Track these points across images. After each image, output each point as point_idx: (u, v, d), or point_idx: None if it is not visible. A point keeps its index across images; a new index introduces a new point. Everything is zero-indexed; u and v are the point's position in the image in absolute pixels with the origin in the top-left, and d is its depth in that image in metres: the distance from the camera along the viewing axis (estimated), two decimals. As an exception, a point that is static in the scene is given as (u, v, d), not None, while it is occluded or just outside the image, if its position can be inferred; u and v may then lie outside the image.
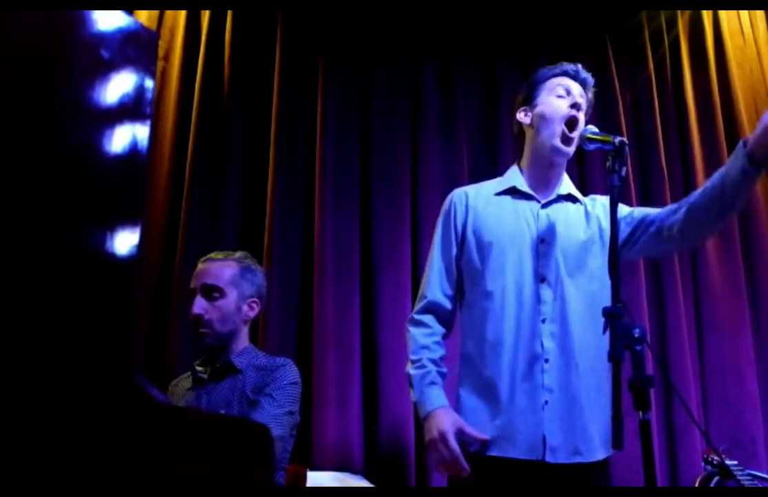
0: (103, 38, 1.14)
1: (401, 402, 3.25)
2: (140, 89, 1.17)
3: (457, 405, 2.16)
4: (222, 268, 2.48)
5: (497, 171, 3.62)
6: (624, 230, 2.23)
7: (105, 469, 1.00)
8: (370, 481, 2.95)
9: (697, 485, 3.24)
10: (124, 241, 1.07)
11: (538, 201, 2.24)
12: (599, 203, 2.30)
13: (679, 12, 4.06)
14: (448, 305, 2.24)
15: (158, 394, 1.21)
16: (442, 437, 2.01)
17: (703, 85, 3.97)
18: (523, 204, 2.25)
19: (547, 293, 2.11)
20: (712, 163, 3.81)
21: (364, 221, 3.52)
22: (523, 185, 2.27)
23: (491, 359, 2.10)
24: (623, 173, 1.89)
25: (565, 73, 2.27)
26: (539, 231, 2.18)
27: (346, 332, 3.33)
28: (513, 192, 2.27)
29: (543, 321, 2.09)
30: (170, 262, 3.39)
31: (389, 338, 3.33)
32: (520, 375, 2.06)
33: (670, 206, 2.20)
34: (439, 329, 2.22)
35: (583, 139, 2.05)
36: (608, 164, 1.89)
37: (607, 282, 1.86)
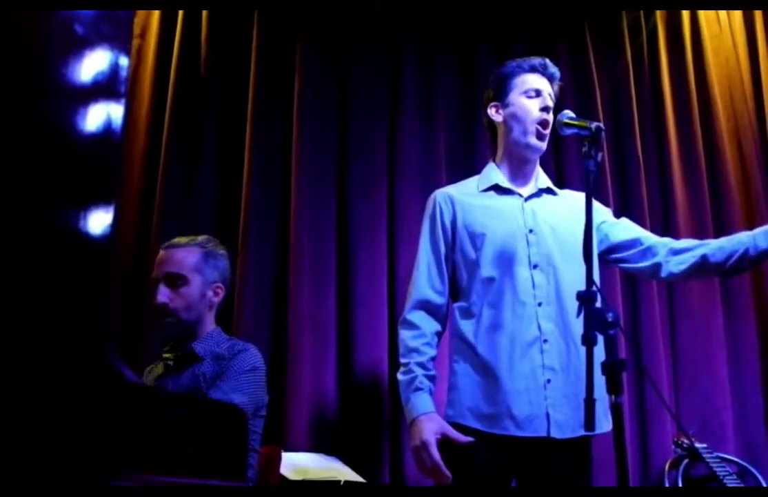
0: (77, 14, 1.12)
1: (376, 383, 3.27)
2: (115, 67, 1.15)
3: (451, 380, 2.23)
4: (185, 255, 2.44)
5: (474, 156, 3.67)
6: (614, 235, 2.37)
7: (76, 447, 1.00)
8: (345, 462, 2.96)
9: (666, 468, 3.29)
10: (98, 221, 1.06)
11: (521, 196, 2.34)
12: (580, 200, 2.36)
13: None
14: (437, 299, 2.29)
15: (131, 374, 1.21)
16: (424, 446, 2.08)
17: (680, 73, 4.00)
18: (508, 199, 2.34)
19: (540, 278, 2.20)
20: (688, 151, 3.86)
21: (340, 203, 3.51)
22: (505, 182, 2.36)
23: (488, 341, 2.17)
24: (599, 158, 1.93)
25: (533, 69, 2.36)
26: (527, 222, 2.27)
27: (321, 313, 3.32)
28: (496, 189, 2.36)
29: (539, 305, 2.17)
30: (145, 243, 3.36)
31: (365, 319, 3.34)
32: (518, 356, 2.13)
33: (671, 242, 2.33)
34: (431, 326, 2.27)
35: (560, 124, 2.09)
36: (584, 149, 1.92)
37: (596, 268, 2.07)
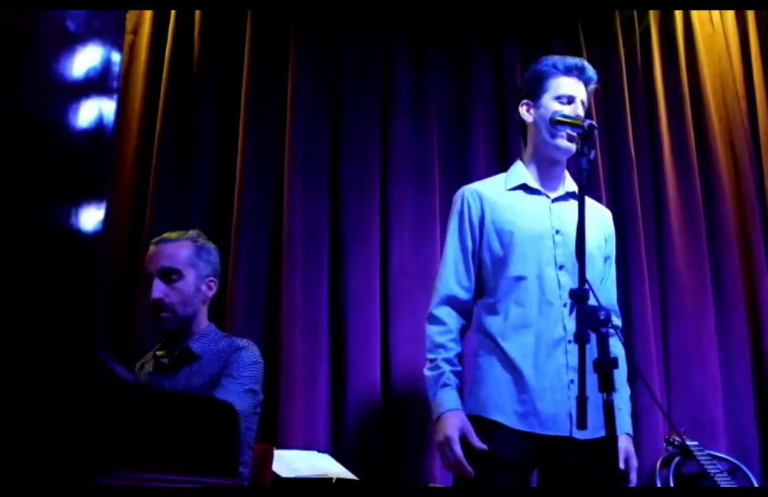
0: (68, 9, 1.11)
1: (368, 381, 3.27)
2: (107, 63, 1.15)
3: (476, 374, 2.26)
4: (178, 249, 2.42)
5: (467, 153, 3.67)
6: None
7: (65, 445, 0.99)
8: (338, 459, 2.96)
9: (658, 465, 3.30)
10: (89, 218, 1.05)
11: (548, 197, 2.35)
12: (597, 209, 2.46)
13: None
14: (464, 295, 2.31)
15: (124, 372, 1.20)
16: (448, 442, 2.12)
17: (673, 73, 4.00)
18: (536, 199, 2.35)
19: (566, 278, 2.22)
20: (680, 151, 3.87)
21: (333, 199, 3.51)
22: (533, 182, 2.37)
23: (515, 339, 2.20)
24: (592, 156, 1.94)
25: (568, 72, 2.34)
26: (554, 223, 2.29)
27: (314, 310, 3.32)
28: (524, 188, 2.37)
29: (565, 305, 2.19)
30: (138, 239, 3.34)
31: (357, 316, 3.34)
32: (543, 355, 2.17)
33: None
34: (457, 322, 2.29)
35: (553, 122, 2.10)
36: (577, 147, 1.93)
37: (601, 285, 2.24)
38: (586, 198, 2.48)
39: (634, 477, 2.23)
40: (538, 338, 2.18)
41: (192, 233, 2.50)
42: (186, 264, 2.41)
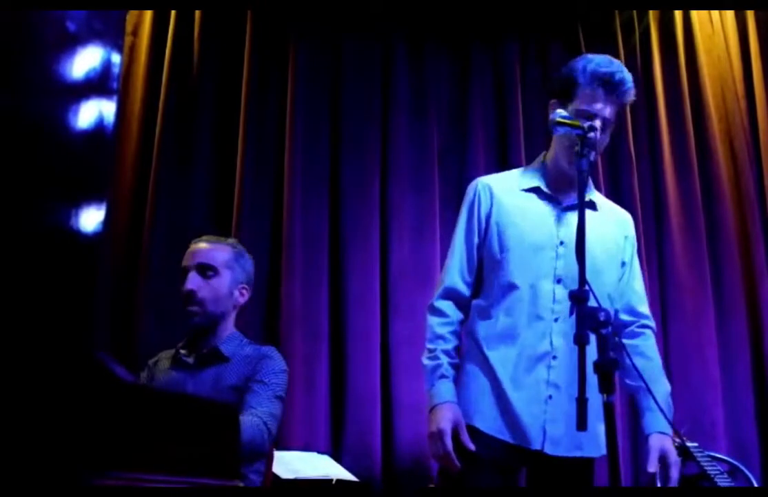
0: (68, 10, 1.11)
1: (368, 381, 3.27)
2: (107, 64, 1.15)
3: (461, 378, 2.24)
4: (217, 249, 2.48)
5: (466, 152, 3.67)
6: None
7: (63, 444, 0.99)
8: (336, 461, 2.97)
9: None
10: (89, 218, 1.05)
11: (560, 203, 2.27)
12: (615, 213, 2.38)
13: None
14: (466, 291, 2.29)
15: (123, 372, 1.20)
16: (440, 434, 2.10)
17: (673, 73, 4.01)
18: (546, 205, 2.27)
19: (561, 293, 2.15)
20: (680, 151, 3.87)
21: (333, 200, 3.52)
22: (547, 188, 2.29)
23: (498, 349, 2.17)
24: (592, 157, 1.91)
25: (597, 86, 2.18)
26: (560, 234, 2.22)
27: (314, 311, 3.33)
28: (537, 192, 2.29)
29: (555, 320, 2.14)
30: (138, 240, 3.35)
31: (357, 317, 3.34)
32: (522, 369, 2.14)
33: (631, 326, 2.35)
34: (457, 315, 2.28)
35: (552, 123, 2.07)
36: (577, 148, 1.90)
37: (614, 298, 2.20)
38: (608, 201, 2.46)
39: (674, 473, 2.18)
40: (521, 351, 2.15)
41: (231, 240, 2.60)
42: (224, 265, 2.46)
